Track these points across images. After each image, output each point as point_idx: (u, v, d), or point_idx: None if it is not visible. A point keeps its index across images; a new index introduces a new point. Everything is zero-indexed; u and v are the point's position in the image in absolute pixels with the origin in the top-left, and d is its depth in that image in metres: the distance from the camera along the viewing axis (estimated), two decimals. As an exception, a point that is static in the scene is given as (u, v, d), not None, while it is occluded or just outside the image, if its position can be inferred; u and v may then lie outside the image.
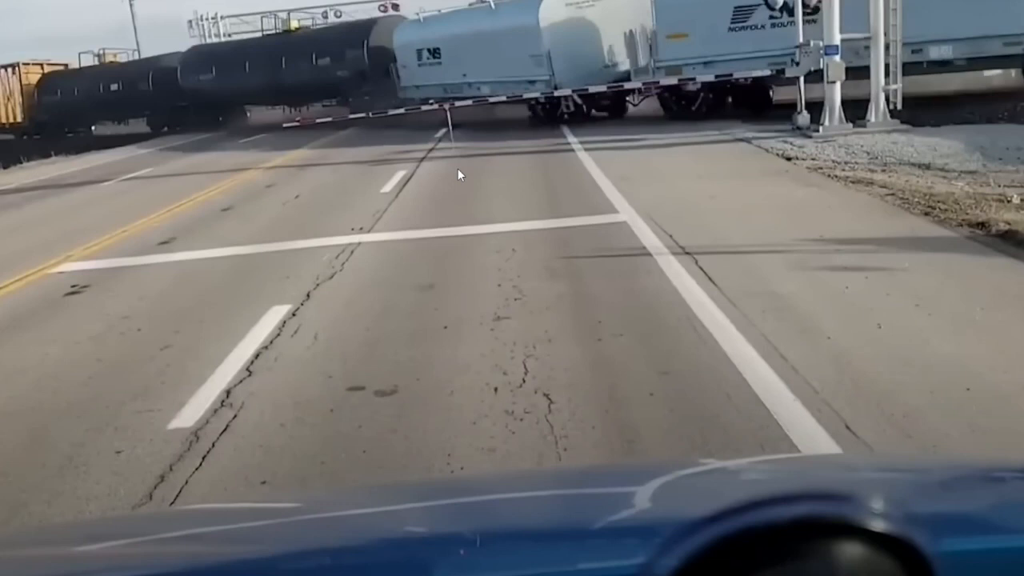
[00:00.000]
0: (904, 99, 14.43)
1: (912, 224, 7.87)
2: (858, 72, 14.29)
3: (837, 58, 14.14)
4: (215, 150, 23.40)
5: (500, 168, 14.47)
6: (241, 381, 5.14)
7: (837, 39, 14.10)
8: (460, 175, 13.47)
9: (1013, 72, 16.28)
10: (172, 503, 3.70)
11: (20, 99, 33.74)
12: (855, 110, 14.46)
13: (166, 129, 31.38)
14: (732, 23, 17.44)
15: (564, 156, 15.20)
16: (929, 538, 0.82)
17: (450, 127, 19.57)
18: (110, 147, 27.91)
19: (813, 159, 12.16)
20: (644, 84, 19.41)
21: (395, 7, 28.86)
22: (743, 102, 18.55)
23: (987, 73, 16.92)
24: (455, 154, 16.68)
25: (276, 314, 6.46)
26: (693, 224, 8.36)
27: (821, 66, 14.24)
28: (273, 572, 1.14)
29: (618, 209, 9.59)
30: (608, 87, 19.98)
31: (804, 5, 14.86)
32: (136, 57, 37.07)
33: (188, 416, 4.65)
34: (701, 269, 6.69)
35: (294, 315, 6.46)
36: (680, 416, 4.18)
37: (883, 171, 10.72)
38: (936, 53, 15.27)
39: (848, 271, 6.32)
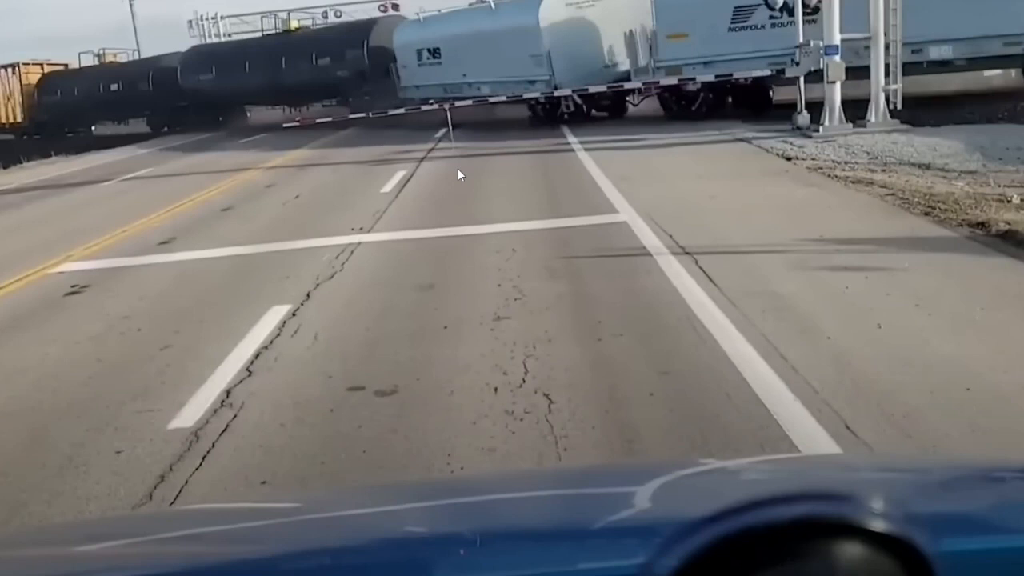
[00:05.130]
0: (904, 99, 14.43)
1: (912, 224, 7.87)
2: (858, 72, 14.29)
3: (837, 58, 14.14)
4: (215, 150, 23.40)
5: (500, 168, 14.47)
6: (241, 381, 5.14)
7: (837, 39, 14.11)
8: (460, 175, 13.47)
9: (1013, 72, 16.28)
10: (172, 503, 3.70)
11: (20, 99, 33.74)
12: (855, 110, 14.46)
13: (166, 129, 31.39)
14: (732, 23, 17.43)
15: (564, 156, 15.20)
16: (929, 538, 0.82)
17: (450, 127, 19.57)
18: (110, 147, 27.91)
19: (813, 159, 12.16)
20: (644, 84, 19.41)
21: (395, 7, 28.86)
22: (743, 102, 18.55)
23: (987, 73, 16.91)
24: (455, 154, 16.68)
25: (276, 314, 6.46)
26: (693, 224, 8.36)
27: (821, 66, 14.24)
28: (273, 572, 1.14)
29: (618, 209, 9.59)
30: (608, 87, 19.97)
31: (804, 5, 14.86)
32: (136, 57, 37.08)
33: (188, 416, 4.65)
34: (701, 269, 6.69)
35: (294, 315, 6.46)
36: (680, 416, 4.18)
37: (883, 171, 10.72)
38: (936, 53, 15.27)
39: (848, 271, 6.32)
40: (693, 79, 18.42)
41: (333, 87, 26.81)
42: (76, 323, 6.91)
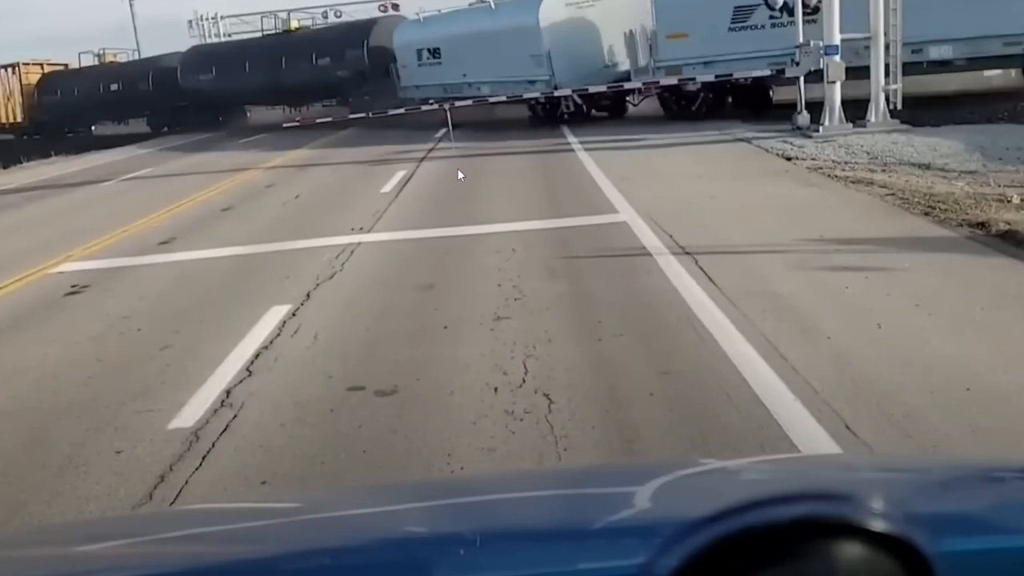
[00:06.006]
0: (904, 99, 14.43)
1: (912, 224, 7.87)
2: (858, 72, 14.29)
3: (837, 58, 14.14)
4: (215, 150, 23.40)
5: (500, 168, 14.47)
6: (241, 381, 5.14)
7: (837, 39, 14.11)
8: (460, 175, 13.47)
9: (1013, 72, 16.28)
10: (172, 503, 3.70)
11: (20, 99, 33.73)
12: (855, 110, 14.46)
13: (166, 129, 31.39)
14: (732, 23, 17.44)
15: (564, 156, 15.20)
16: (929, 538, 0.82)
17: (450, 127, 19.57)
18: (110, 147, 27.91)
19: (813, 159, 12.16)
20: (644, 84, 19.41)
21: (395, 7, 28.86)
22: (743, 102, 18.55)
23: (987, 73, 16.91)
24: (455, 154, 16.68)
25: (276, 314, 6.46)
26: (693, 224, 8.36)
27: (821, 66, 14.24)
28: (273, 572, 1.14)
29: (618, 209, 9.59)
30: (608, 87, 19.97)
31: (804, 5, 14.86)
32: (136, 57, 37.08)
33: (188, 416, 4.65)
34: (701, 269, 6.69)
35: (294, 315, 6.46)
36: (680, 416, 4.18)
37: (883, 171, 10.72)
38: (936, 53, 15.27)
39: (848, 271, 6.32)
40: (693, 79, 18.41)
41: (333, 87, 26.81)
42: (76, 323, 6.91)
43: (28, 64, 34.37)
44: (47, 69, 34.74)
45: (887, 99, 14.37)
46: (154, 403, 4.91)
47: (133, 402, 4.96)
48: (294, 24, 30.97)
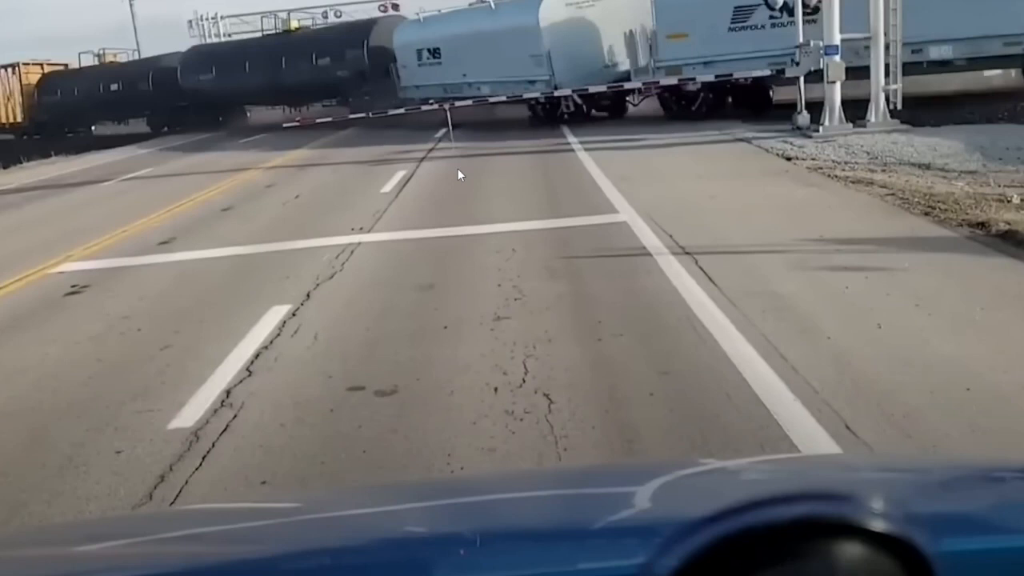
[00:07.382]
0: (904, 99, 14.43)
1: (912, 224, 7.87)
2: (858, 72, 14.29)
3: (837, 58, 14.14)
4: (215, 150, 23.40)
5: (500, 168, 14.47)
6: (241, 381, 5.14)
7: (837, 39, 14.11)
8: (460, 175, 13.47)
9: (1013, 72, 16.29)
10: (172, 503, 3.70)
11: (20, 99, 33.74)
12: (855, 110, 14.46)
13: (166, 129, 31.40)
14: (732, 23, 17.44)
15: (564, 156, 15.20)
16: (929, 538, 0.82)
17: (450, 127, 19.57)
18: (110, 147, 27.91)
19: (813, 159, 12.16)
20: (644, 84, 19.41)
21: (395, 7, 28.87)
22: (743, 102, 18.55)
23: (987, 73, 16.92)
24: (455, 154, 16.68)
25: (276, 314, 6.46)
26: (693, 224, 8.36)
27: (821, 66, 14.24)
28: (273, 572, 1.14)
29: (618, 209, 9.59)
30: (608, 87, 19.98)
31: (804, 5, 14.87)
32: (136, 57, 37.10)
33: (188, 416, 4.65)
34: (701, 269, 6.69)
35: (294, 315, 6.46)
36: (680, 416, 4.18)
37: (883, 171, 10.72)
38: (936, 53, 15.27)
39: (848, 271, 6.32)
40: (693, 79, 18.41)
41: (333, 87, 26.82)
42: (76, 323, 6.91)
43: (28, 64, 34.37)
44: (47, 69, 34.74)
45: (887, 99, 14.37)
46: (154, 403, 4.91)
47: (133, 402, 4.96)
48: (294, 24, 30.98)
